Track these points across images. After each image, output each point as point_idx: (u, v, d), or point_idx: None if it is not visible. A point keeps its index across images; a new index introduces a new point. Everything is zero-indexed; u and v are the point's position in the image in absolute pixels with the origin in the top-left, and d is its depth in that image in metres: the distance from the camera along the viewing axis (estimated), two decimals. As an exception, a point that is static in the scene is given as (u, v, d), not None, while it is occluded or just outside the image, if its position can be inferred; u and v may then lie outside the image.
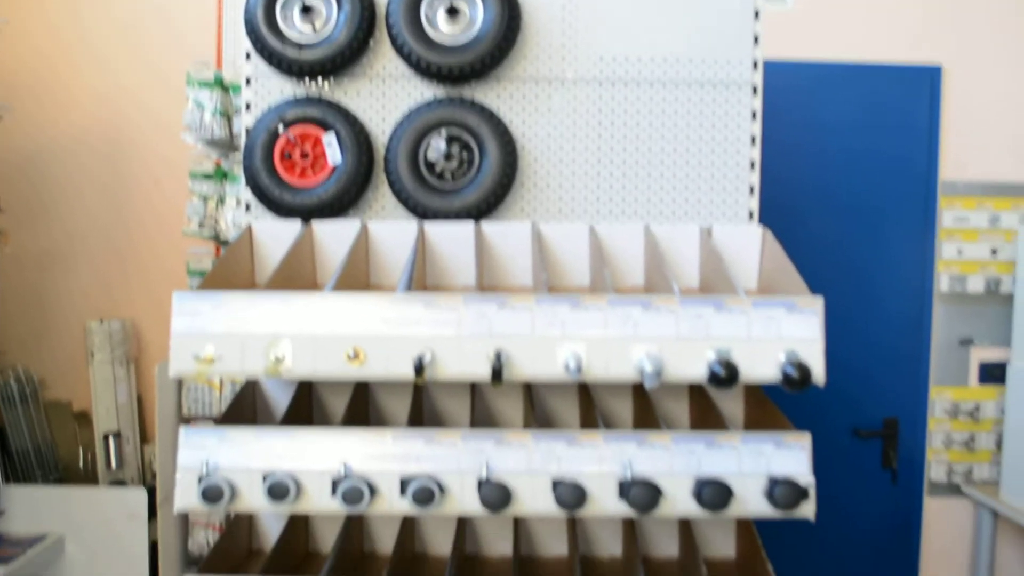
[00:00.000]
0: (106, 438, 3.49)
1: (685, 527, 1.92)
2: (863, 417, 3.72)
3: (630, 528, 1.87)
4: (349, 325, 1.51)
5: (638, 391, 1.96)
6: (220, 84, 2.99)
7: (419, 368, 1.45)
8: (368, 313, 1.51)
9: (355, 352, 1.49)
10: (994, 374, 3.71)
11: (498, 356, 1.46)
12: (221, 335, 1.50)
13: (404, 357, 1.49)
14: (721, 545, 2.03)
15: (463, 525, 1.95)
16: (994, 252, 3.68)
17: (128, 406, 3.58)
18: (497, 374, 1.44)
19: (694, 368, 1.49)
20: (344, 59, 1.95)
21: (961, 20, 3.70)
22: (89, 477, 3.54)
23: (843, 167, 3.66)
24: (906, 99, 3.67)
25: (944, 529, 3.78)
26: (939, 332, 3.72)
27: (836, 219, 3.66)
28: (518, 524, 1.98)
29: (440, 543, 2.05)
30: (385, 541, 2.05)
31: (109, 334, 3.57)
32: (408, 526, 1.94)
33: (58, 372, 3.72)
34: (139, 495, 3.22)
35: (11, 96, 3.59)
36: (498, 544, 2.05)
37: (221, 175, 3.07)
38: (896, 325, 3.71)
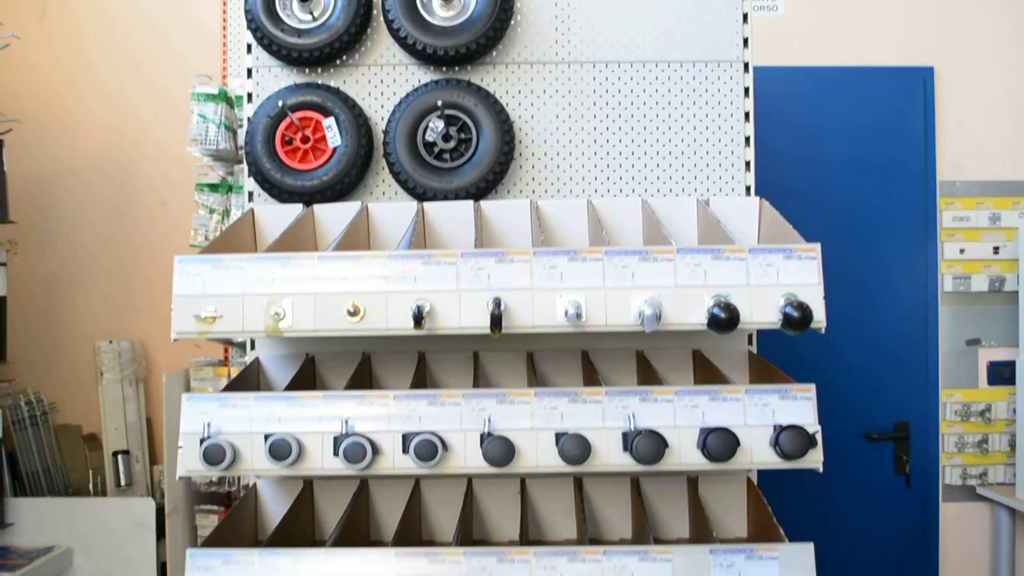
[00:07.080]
0: (115, 455, 3.48)
1: (696, 506, 1.90)
2: (874, 422, 3.69)
3: (640, 508, 1.85)
4: (349, 283, 1.51)
5: (641, 362, 1.95)
6: (225, 98, 3.04)
7: (418, 319, 1.46)
8: (367, 271, 1.52)
9: (355, 308, 1.49)
10: (1003, 375, 3.68)
11: (497, 303, 1.46)
12: (222, 295, 1.52)
13: (404, 312, 1.49)
14: (733, 524, 2.01)
15: (469, 507, 1.93)
16: (996, 250, 3.68)
17: (137, 425, 3.58)
18: (496, 321, 1.45)
19: (694, 314, 1.49)
20: (342, 44, 1.98)
21: (952, 22, 3.75)
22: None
23: (841, 173, 3.68)
24: (900, 102, 3.70)
25: (962, 533, 3.72)
26: (946, 333, 3.70)
27: (836, 225, 3.67)
28: (525, 506, 1.96)
29: (446, 528, 2.02)
30: (389, 527, 2.02)
31: (118, 354, 3.58)
32: (414, 510, 1.92)
33: (68, 394, 3.72)
34: (146, 504, 3.21)
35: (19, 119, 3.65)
36: (505, 528, 2.03)
37: (227, 188, 3.10)
38: (902, 328, 3.70)
